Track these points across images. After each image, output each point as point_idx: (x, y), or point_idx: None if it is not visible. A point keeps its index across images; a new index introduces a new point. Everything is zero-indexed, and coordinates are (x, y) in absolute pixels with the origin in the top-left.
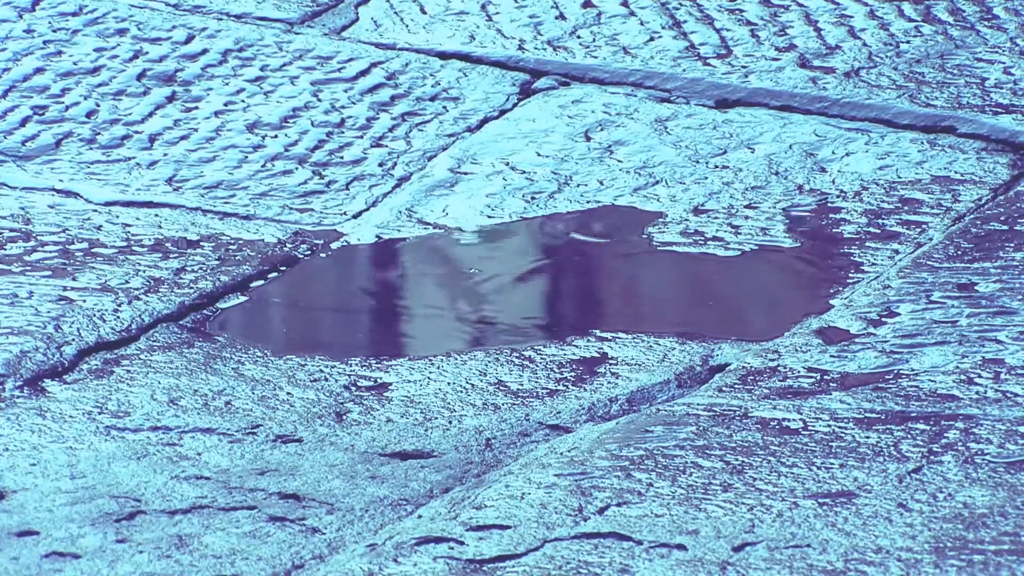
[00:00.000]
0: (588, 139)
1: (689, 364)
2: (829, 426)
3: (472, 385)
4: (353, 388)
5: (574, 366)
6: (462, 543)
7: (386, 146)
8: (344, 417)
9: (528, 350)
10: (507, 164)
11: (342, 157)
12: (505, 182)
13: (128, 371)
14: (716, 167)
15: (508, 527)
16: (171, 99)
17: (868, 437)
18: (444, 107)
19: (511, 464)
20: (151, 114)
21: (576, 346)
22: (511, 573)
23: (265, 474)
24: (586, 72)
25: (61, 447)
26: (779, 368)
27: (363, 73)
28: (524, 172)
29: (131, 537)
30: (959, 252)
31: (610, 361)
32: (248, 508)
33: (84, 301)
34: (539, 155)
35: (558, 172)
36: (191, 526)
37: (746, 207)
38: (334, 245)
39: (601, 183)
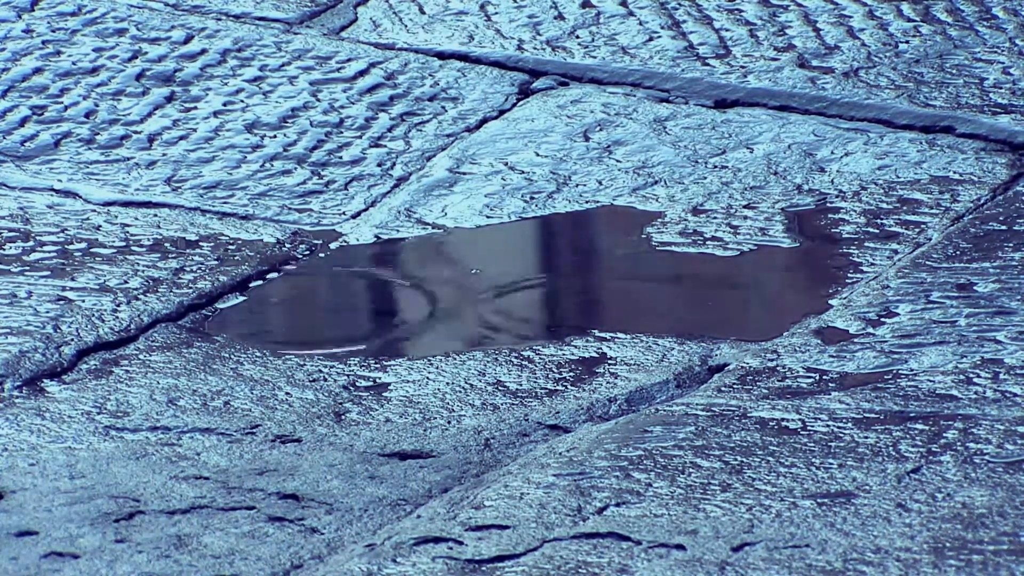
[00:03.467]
0: (587, 139)
1: (688, 364)
2: (828, 426)
3: (471, 385)
4: (352, 388)
5: (573, 366)
6: (461, 543)
7: (385, 146)
8: (343, 417)
9: (527, 350)
10: (506, 164)
11: (341, 157)
12: (504, 182)
13: (127, 371)
14: (715, 167)
15: (507, 527)
16: (170, 99)
17: (867, 437)
18: (443, 107)
19: (510, 464)
20: (150, 114)
21: (575, 346)
22: (510, 573)
23: (264, 474)
24: (585, 72)
25: (60, 447)
26: (778, 368)
27: (362, 73)
28: (523, 172)
29: (130, 537)
30: (958, 252)
31: (609, 361)
32: (247, 508)
33: (83, 301)
34: (538, 155)
35: (557, 172)
36: (190, 526)
37: (745, 207)
38: (333, 245)
39: (600, 183)
